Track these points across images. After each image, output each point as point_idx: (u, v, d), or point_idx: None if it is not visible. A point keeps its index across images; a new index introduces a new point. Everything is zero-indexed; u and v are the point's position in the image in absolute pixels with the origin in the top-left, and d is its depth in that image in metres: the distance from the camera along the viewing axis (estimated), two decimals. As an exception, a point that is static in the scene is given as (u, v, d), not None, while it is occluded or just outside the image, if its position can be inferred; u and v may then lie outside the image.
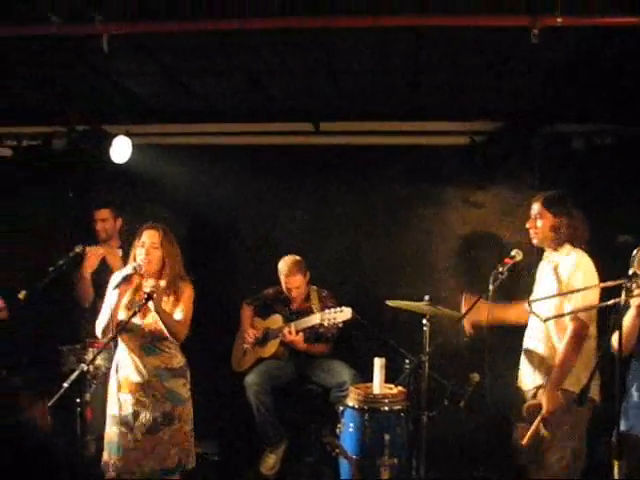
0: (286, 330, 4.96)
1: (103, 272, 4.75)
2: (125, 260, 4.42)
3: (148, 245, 3.85)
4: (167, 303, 3.87)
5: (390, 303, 4.43)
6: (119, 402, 3.85)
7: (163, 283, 3.88)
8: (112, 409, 3.88)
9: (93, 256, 4.93)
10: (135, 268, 3.79)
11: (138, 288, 3.90)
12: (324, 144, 5.60)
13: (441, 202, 5.63)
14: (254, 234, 5.86)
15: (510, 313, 4.17)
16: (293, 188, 5.83)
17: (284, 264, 5.11)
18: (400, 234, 5.69)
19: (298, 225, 5.79)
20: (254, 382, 4.94)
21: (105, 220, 5.18)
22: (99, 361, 4.45)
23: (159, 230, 3.90)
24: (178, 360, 3.95)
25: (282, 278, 5.13)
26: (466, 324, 4.15)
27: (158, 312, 3.75)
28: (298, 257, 5.15)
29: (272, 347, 5.15)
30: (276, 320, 5.22)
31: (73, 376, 3.37)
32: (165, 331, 3.80)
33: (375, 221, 5.73)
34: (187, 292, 3.94)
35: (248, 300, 5.40)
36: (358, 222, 5.75)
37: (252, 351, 5.24)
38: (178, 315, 3.88)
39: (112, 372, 3.95)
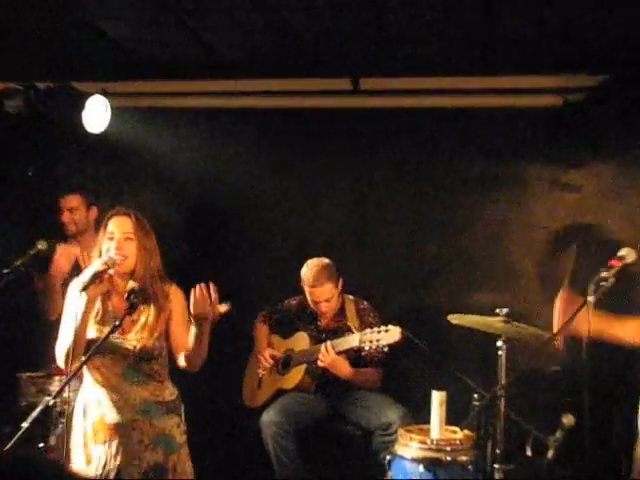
0: (323, 350, 4.88)
1: (76, 278, 4.74)
2: None
3: (119, 236, 3.79)
4: (145, 312, 3.78)
5: (452, 319, 4.38)
6: (88, 457, 3.74)
7: (134, 284, 3.77)
8: (80, 464, 3.75)
9: (63, 257, 4.94)
10: (107, 263, 3.68)
11: (111, 294, 3.83)
12: (365, 107, 5.56)
13: (522, 184, 5.57)
14: (273, 226, 5.90)
15: (624, 328, 4.03)
16: (324, 165, 5.83)
17: (308, 270, 5.06)
18: (465, 227, 5.65)
19: (330, 214, 5.80)
20: (273, 421, 4.90)
21: (74, 209, 5.22)
22: (68, 393, 4.40)
23: (131, 217, 3.84)
24: (170, 391, 3.87)
25: (306, 289, 5.12)
26: (559, 337, 4.03)
27: (201, 340, 3.73)
28: (326, 260, 5.12)
29: (296, 375, 5.14)
30: (301, 340, 5.21)
31: (35, 413, 3.30)
32: (193, 362, 3.79)
33: (432, 209, 5.71)
34: (178, 299, 3.89)
35: (264, 312, 5.36)
36: (409, 211, 5.74)
37: (269, 380, 5.24)
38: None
39: (78, 416, 3.84)
